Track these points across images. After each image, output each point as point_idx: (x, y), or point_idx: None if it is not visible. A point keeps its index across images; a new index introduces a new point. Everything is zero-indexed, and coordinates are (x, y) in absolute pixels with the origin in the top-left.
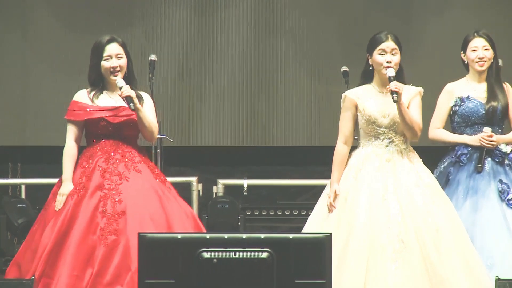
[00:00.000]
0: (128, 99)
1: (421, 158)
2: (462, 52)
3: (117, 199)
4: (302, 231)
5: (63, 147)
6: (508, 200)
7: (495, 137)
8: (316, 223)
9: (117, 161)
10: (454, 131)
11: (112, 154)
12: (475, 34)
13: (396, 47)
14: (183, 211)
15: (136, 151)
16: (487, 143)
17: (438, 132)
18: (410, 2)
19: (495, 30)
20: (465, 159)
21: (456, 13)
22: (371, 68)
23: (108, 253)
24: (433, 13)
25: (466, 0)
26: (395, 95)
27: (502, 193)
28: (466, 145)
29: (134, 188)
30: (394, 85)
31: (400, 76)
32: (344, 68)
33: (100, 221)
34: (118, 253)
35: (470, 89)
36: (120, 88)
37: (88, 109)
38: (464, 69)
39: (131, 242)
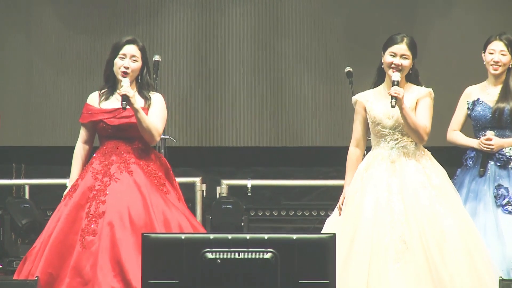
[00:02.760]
0: (123, 97)
1: (438, 159)
2: (483, 52)
3: (101, 200)
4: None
5: (67, 147)
6: (503, 205)
7: (495, 141)
8: (329, 225)
9: (111, 162)
10: (474, 134)
11: (108, 155)
12: (497, 36)
13: (408, 52)
14: (174, 218)
15: (134, 152)
16: (484, 147)
17: (454, 134)
18: (415, 3)
19: (499, 31)
20: (471, 162)
21: (460, 15)
22: (382, 67)
23: (84, 254)
24: (437, 14)
25: (470, 1)
26: (393, 100)
27: (497, 198)
28: (473, 149)
29: (120, 189)
30: (394, 90)
31: (413, 80)
32: (348, 68)
33: (82, 222)
34: (93, 254)
35: (484, 93)
36: (121, 87)
37: (92, 112)
38: (466, 68)
39: (103, 243)
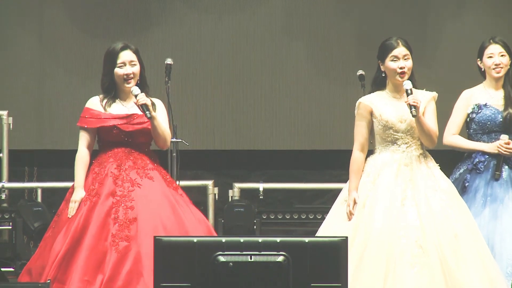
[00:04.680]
0: (143, 107)
1: (443, 162)
2: (478, 59)
3: (129, 206)
4: (316, 235)
5: None
6: None
7: None
8: (331, 228)
9: (129, 168)
10: (470, 138)
11: (124, 161)
12: (491, 40)
13: (408, 52)
14: (195, 218)
15: (148, 158)
16: (504, 151)
17: (454, 138)
18: (427, 6)
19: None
20: (482, 166)
21: (472, 18)
22: (383, 75)
23: (120, 259)
24: (449, 17)
25: (482, 5)
26: (413, 109)
27: None
28: (483, 153)
29: (146, 195)
30: (412, 99)
31: (411, 81)
32: (360, 71)
33: (111, 228)
34: (129, 259)
35: (488, 96)
36: (136, 96)
37: (100, 117)
38: (477, 72)
39: (142, 248)
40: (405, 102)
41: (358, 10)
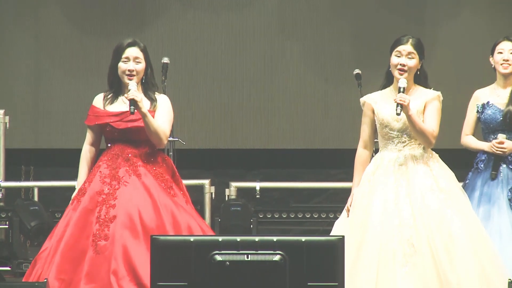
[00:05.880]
0: (131, 102)
1: (447, 161)
2: (490, 55)
3: (111, 204)
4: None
5: (75, 149)
6: None
7: (507, 144)
8: (338, 228)
9: (119, 165)
10: (483, 137)
11: (116, 159)
12: (505, 38)
13: (414, 51)
14: (184, 220)
15: (142, 156)
16: (496, 150)
17: (466, 139)
18: (423, 4)
19: (508, 34)
20: (482, 165)
21: (469, 17)
22: (390, 69)
23: (97, 259)
24: (446, 16)
25: (479, 3)
26: (398, 107)
27: (511, 201)
28: (484, 152)
29: (129, 192)
30: (399, 97)
31: (422, 81)
32: (357, 70)
33: (93, 227)
34: (106, 258)
35: (494, 96)
36: (129, 91)
37: (99, 114)
38: (475, 70)
39: (116, 248)
40: (394, 100)
41: (353, 9)
